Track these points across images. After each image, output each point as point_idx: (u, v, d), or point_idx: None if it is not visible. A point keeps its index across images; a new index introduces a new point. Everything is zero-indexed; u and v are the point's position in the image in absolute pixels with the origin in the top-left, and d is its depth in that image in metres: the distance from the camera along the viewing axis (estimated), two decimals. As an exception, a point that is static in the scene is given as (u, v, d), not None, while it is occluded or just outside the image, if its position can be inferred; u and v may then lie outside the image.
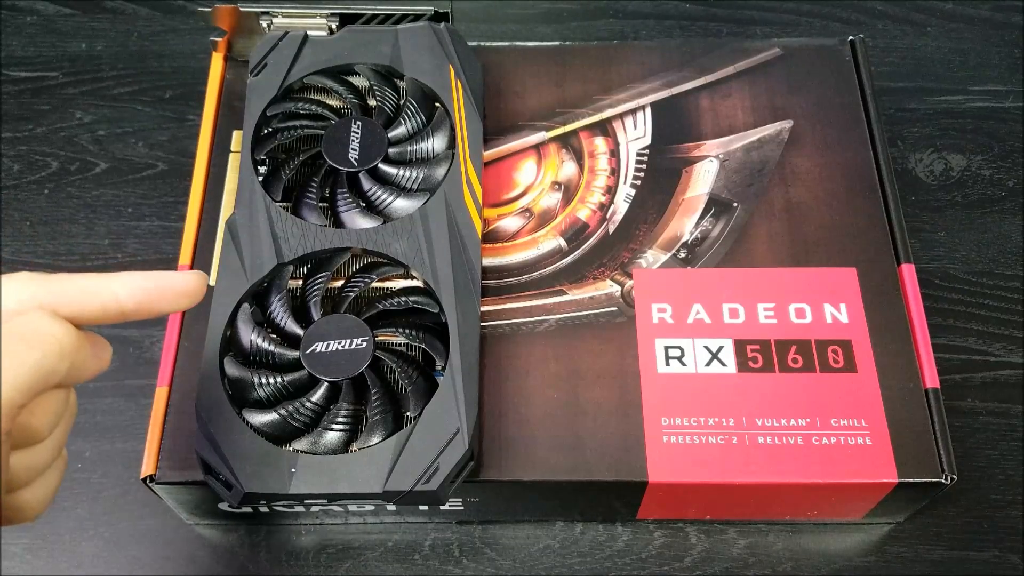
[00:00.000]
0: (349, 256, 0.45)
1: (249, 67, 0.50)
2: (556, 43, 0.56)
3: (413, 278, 0.46)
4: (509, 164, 0.52)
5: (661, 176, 0.51)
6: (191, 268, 0.48)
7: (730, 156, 0.52)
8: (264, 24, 0.51)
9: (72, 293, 0.31)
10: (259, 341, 0.42)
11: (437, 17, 0.51)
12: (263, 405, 0.41)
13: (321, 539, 0.49)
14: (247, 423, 0.41)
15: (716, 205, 0.50)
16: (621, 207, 0.50)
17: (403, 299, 0.44)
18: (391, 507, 0.46)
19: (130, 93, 0.63)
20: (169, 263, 0.54)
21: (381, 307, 0.44)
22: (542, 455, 0.44)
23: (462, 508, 0.47)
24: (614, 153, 0.52)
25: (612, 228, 0.50)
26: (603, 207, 0.51)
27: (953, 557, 0.48)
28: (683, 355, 0.46)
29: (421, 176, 0.47)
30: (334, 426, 0.41)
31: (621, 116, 0.53)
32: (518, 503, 0.47)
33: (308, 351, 0.42)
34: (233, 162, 0.51)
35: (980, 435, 0.51)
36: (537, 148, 0.52)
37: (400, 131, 0.48)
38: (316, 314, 0.43)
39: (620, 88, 0.54)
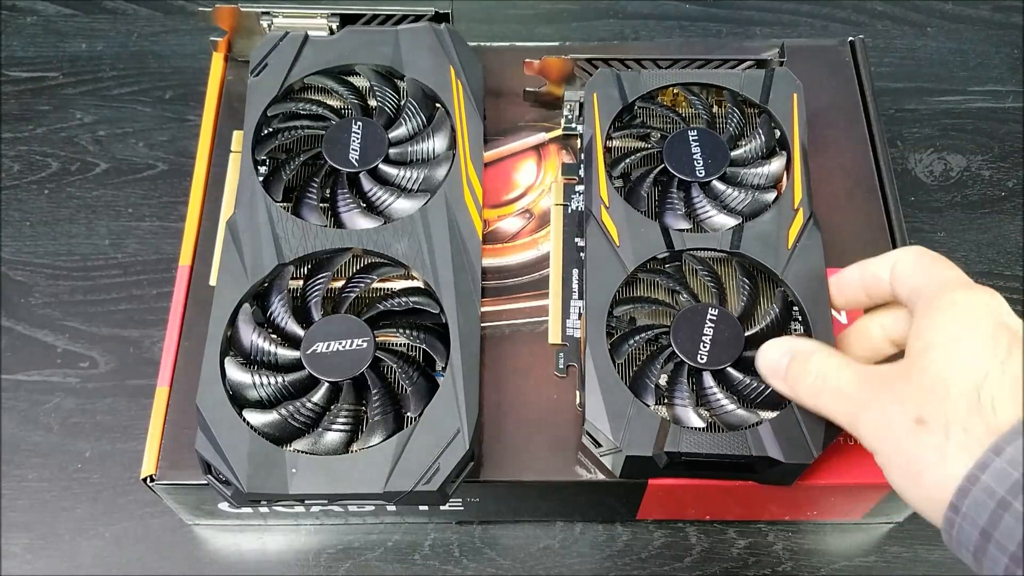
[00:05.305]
0: (350, 256, 0.45)
1: (250, 67, 0.49)
2: (556, 43, 0.56)
3: (413, 279, 0.46)
4: (509, 165, 0.52)
5: (661, 176, 0.51)
6: (191, 268, 0.48)
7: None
8: (264, 24, 0.51)
9: None
10: (260, 341, 0.42)
11: (437, 18, 0.51)
12: (264, 405, 0.41)
13: (321, 539, 0.49)
14: (247, 423, 0.41)
15: (716, 205, 0.50)
16: (621, 207, 0.50)
17: (403, 299, 0.44)
18: (391, 507, 0.46)
19: (130, 93, 0.63)
20: (169, 263, 0.54)
21: (382, 307, 0.44)
22: (542, 455, 0.44)
23: (462, 508, 0.47)
24: (614, 153, 0.52)
25: (612, 228, 0.50)
26: (603, 207, 0.50)
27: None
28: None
29: (421, 177, 0.47)
30: (334, 426, 0.41)
31: (621, 116, 0.53)
32: (518, 503, 0.47)
33: (309, 351, 0.42)
34: (233, 162, 0.51)
35: (980, 435, 0.51)
36: (537, 149, 0.52)
37: (401, 132, 0.48)
38: (317, 314, 0.43)
39: (620, 88, 0.54)
